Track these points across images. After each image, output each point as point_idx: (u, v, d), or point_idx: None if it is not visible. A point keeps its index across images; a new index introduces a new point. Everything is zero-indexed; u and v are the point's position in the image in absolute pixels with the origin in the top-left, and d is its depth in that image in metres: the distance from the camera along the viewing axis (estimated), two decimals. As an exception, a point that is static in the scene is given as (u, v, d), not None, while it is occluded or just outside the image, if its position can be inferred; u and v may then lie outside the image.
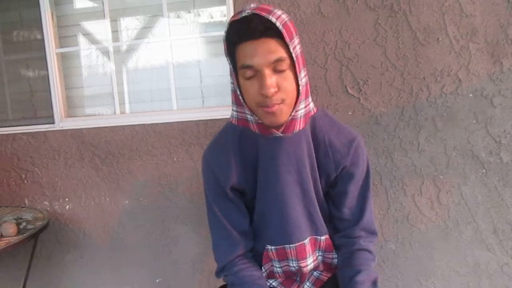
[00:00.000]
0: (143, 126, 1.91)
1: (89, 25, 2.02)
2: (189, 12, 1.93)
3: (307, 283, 1.09)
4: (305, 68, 0.89)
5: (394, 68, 1.66)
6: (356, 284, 0.95)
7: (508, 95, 1.59)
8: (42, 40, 1.96)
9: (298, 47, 0.86)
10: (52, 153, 2.00)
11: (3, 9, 2.07)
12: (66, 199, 2.03)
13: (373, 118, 1.70)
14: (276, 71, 0.84)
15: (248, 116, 0.92)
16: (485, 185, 1.66)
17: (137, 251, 2.00)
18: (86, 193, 2.01)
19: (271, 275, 1.08)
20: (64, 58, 2.04)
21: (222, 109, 1.86)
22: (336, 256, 1.06)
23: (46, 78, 1.99)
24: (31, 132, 2.01)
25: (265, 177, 0.97)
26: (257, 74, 0.84)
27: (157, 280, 2.01)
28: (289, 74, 0.85)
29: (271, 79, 0.83)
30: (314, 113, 0.98)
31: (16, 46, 2.10)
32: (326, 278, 1.10)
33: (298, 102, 0.88)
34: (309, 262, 1.03)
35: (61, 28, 2.03)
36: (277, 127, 0.90)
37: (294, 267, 1.03)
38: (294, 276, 1.08)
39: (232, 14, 1.75)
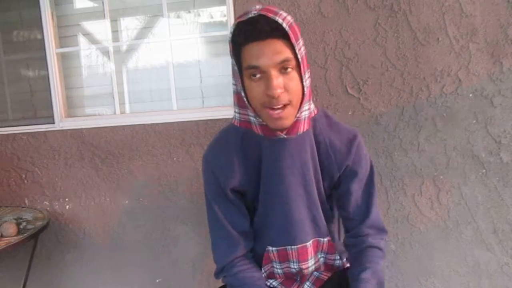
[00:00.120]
0: (143, 126, 1.91)
1: (89, 25, 2.02)
2: (189, 12, 1.93)
3: (307, 283, 1.09)
4: (309, 69, 0.89)
5: (394, 68, 1.66)
6: (360, 282, 0.95)
7: (508, 95, 1.59)
8: (42, 40, 1.96)
9: (302, 48, 0.86)
10: (52, 153, 2.00)
11: (3, 9, 2.07)
12: (66, 199, 2.03)
13: (373, 118, 1.70)
14: (282, 72, 0.84)
15: (251, 118, 0.92)
16: (485, 185, 1.66)
17: (137, 251, 2.00)
18: (86, 193, 2.01)
19: (271, 276, 1.08)
20: (64, 58, 2.04)
21: (222, 109, 1.86)
22: (338, 258, 1.06)
23: (46, 78, 1.99)
24: (31, 132, 2.01)
25: (268, 179, 0.97)
26: (263, 75, 0.84)
27: (157, 280, 2.01)
28: (294, 75, 0.85)
29: (277, 80, 0.83)
30: (315, 114, 0.98)
31: (16, 46, 2.10)
32: (326, 277, 1.10)
33: (303, 103, 0.88)
34: (310, 264, 1.03)
35: (61, 28, 2.03)
36: (282, 129, 0.90)
37: (295, 268, 1.03)
38: (294, 276, 1.08)
39: (232, 14, 1.76)
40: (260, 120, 0.89)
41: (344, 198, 1.02)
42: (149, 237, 1.98)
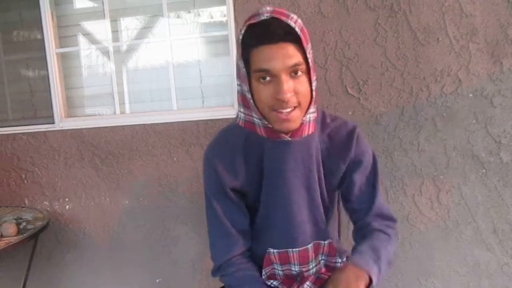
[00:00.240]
0: (143, 126, 1.91)
1: (89, 25, 2.02)
2: (189, 12, 1.93)
3: (307, 282, 1.09)
4: (315, 72, 0.89)
5: (394, 68, 1.66)
6: (354, 253, 0.93)
7: (508, 95, 1.59)
8: (42, 40, 1.96)
9: (311, 52, 0.86)
10: (52, 153, 2.00)
11: (3, 9, 2.07)
12: (66, 199, 2.03)
13: (373, 118, 1.70)
14: (292, 75, 0.83)
15: (255, 120, 0.91)
16: (485, 185, 1.66)
17: (137, 251, 2.00)
18: (86, 193, 2.01)
19: (271, 276, 1.08)
20: (64, 58, 2.04)
21: (222, 109, 1.86)
22: (339, 260, 1.06)
23: (46, 78, 1.99)
24: (31, 132, 2.01)
25: (271, 181, 0.97)
26: (273, 78, 0.83)
27: (157, 280, 2.01)
28: (304, 78, 0.85)
29: (288, 84, 0.82)
30: (316, 116, 0.97)
31: (16, 46, 2.10)
32: (326, 276, 1.09)
33: (310, 106, 0.88)
34: (311, 267, 1.03)
35: (61, 28, 2.03)
36: (288, 131, 0.89)
37: (295, 271, 1.03)
38: (295, 277, 1.08)
39: (232, 14, 1.75)
40: (265, 122, 0.89)
41: (349, 188, 1.01)
42: (149, 237, 1.98)
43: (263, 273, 1.05)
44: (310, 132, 0.92)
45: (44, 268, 2.09)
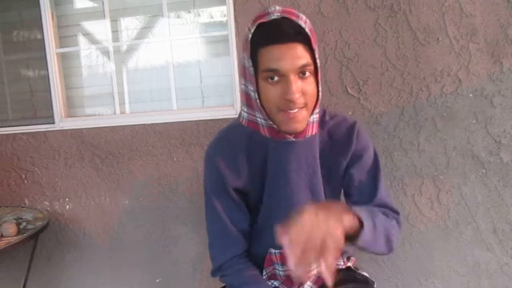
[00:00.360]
0: (143, 126, 1.91)
1: (89, 25, 2.02)
2: (189, 12, 1.93)
3: (308, 283, 1.09)
4: (321, 73, 0.89)
5: (394, 68, 1.66)
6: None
7: (508, 95, 1.59)
8: (42, 40, 1.96)
9: (318, 52, 0.86)
10: (52, 153, 2.00)
11: (3, 9, 2.07)
12: (66, 199, 2.03)
13: (373, 118, 1.70)
14: (300, 76, 0.83)
15: (259, 120, 0.91)
16: (485, 185, 1.66)
17: (137, 251, 2.00)
18: (86, 193, 2.01)
19: (272, 277, 1.07)
20: (64, 58, 2.04)
21: (222, 109, 1.86)
22: (341, 263, 1.06)
23: (46, 78, 1.99)
24: (31, 132, 2.01)
25: (274, 182, 0.96)
26: (282, 78, 0.83)
27: (157, 280, 2.01)
28: (312, 79, 0.85)
29: (296, 84, 0.82)
30: (319, 116, 0.97)
31: (16, 46, 2.10)
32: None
33: (316, 107, 0.88)
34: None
35: (61, 28, 2.03)
36: (294, 132, 0.89)
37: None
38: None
39: (232, 14, 1.75)
40: (269, 122, 0.88)
41: (349, 183, 1.00)
42: (149, 237, 1.98)
43: (264, 273, 1.05)
44: (313, 133, 0.92)
45: (44, 268, 2.09)
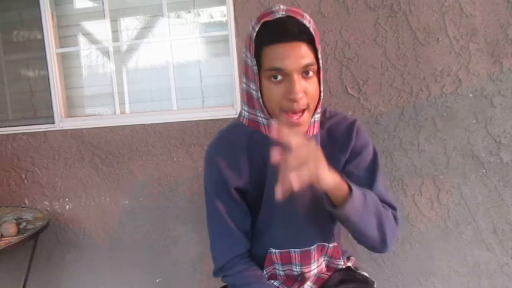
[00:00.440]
0: (143, 126, 1.91)
1: (89, 25, 2.02)
2: (189, 12, 1.93)
3: (308, 283, 1.09)
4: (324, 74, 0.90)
5: (394, 68, 1.66)
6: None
7: (508, 95, 1.59)
8: (42, 40, 1.96)
9: (321, 53, 0.86)
10: (52, 153, 2.00)
11: (3, 9, 2.07)
12: (66, 199, 2.03)
13: (373, 118, 1.70)
14: (303, 76, 0.83)
15: (260, 119, 0.91)
16: (485, 185, 1.66)
17: (137, 251, 2.00)
18: (86, 193, 2.01)
19: (272, 277, 1.07)
20: (64, 58, 2.04)
21: (222, 109, 1.86)
22: (342, 262, 1.06)
23: (46, 78, 1.99)
24: (31, 132, 2.01)
25: (274, 181, 0.95)
26: (285, 78, 0.83)
27: (157, 280, 2.01)
28: (314, 79, 0.85)
29: (300, 84, 0.82)
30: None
31: (16, 46, 2.10)
32: (327, 276, 1.09)
33: (317, 108, 0.88)
34: (313, 268, 1.02)
35: (61, 28, 2.03)
36: None
37: (296, 271, 1.02)
38: (295, 278, 1.07)
39: (232, 14, 1.75)
40: (270, 121, 0.88)
41: (348, 179, 1.00)
42: (149, 237, 1.98)
43: (264, 273, 1.05)
44: (314, 133, 0.92)
45: (44, 268, 2.09)
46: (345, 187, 0.81)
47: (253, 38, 0.84)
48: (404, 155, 1.70)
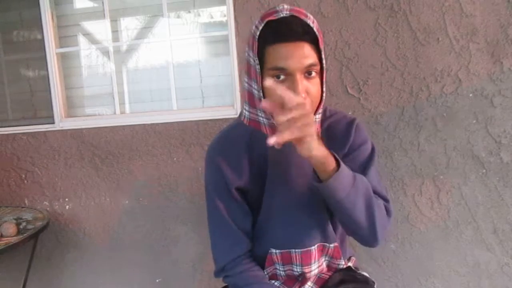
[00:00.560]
0: (143, 126, 1.91)
1: (89, 25, 2.02)
2: (189, 12, 1.93)
3: (309, 283, 1.09)
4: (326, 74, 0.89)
5: (394, 68, 1.66)
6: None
7: (508, 95, 1.59)
8: (42, 40, 1.96)
9: (324, 53, 0.86)
10: (52, 153, 2.00)
11: (3, 9, 2.07)
12: (66, 199, 2.03)
13: (373, 118, 1.70)
14: (306, 76, 0.83)
15: (261, 118, 0.90)
16: (485, 185, 1.66)
17: (137, 251, 2.00)
18: (86, 193, 2.01)
19: (273, 277, 1.07)
20: (64, 58, 2.04)
21: (222, 109, 1.86)
22: (343, 263, 1.05)
23: (46, 78, 1.99)
24: (31, 132, 2.01)
25: (275, 181, 0.96)
26: (288, 77, 0.83)
27: (157, 280, 2.01)
28: (317, 80, 0.85)
29: (302, 84, 0.82)
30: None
31: (16, 46, 2.10)
32: (327, 276, 1.09)
33: (319, 108, 0.88)
34: (314, 268, 1.02)
35: (61, 28, 2.03)
36: None
37: (297, 271, 1.02)
38: (296, 278, 1.07)
39: (232, 14, 1.75)
40: (272, 121, 0.87)
41: None
42: (149, 237, 1.98)
43: (265, 273, 1.05)
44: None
45: (44, 268, 2.09)
46: (332, 162, 0.80)
47: (257, 37, 0.84)
48: (404, 155, 1.70)
